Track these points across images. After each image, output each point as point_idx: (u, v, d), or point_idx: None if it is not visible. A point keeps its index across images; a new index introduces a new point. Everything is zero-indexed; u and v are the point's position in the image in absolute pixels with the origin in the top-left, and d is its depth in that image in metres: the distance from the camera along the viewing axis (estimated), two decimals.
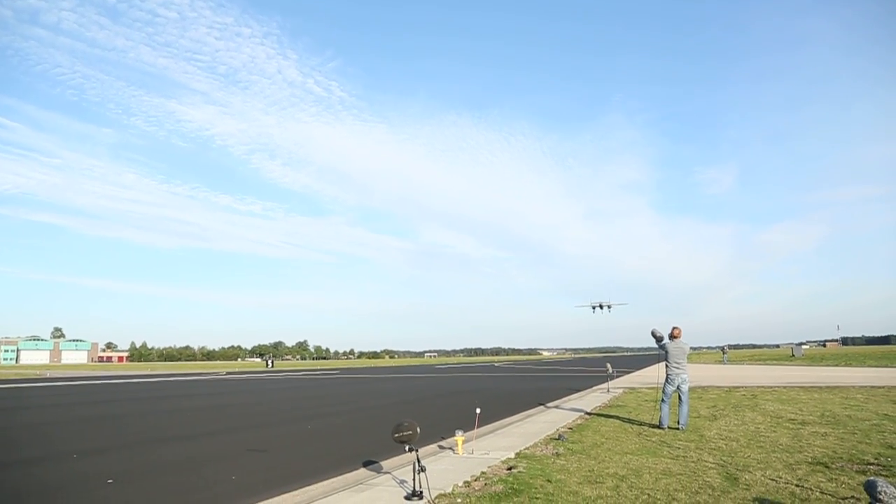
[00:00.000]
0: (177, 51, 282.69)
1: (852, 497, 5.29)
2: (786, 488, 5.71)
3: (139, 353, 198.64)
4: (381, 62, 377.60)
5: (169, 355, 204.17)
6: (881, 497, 4.21)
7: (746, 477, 6.24)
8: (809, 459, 7.14)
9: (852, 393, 15.99)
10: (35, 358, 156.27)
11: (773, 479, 6.09)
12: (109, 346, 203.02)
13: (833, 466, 6.71)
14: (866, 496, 4.45)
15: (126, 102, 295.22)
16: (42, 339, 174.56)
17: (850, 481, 5.93)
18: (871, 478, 4.46)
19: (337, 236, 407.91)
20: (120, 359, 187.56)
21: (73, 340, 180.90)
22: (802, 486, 5.75)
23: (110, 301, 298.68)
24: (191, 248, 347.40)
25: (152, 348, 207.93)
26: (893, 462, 6.87)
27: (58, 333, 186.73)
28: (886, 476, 6.09)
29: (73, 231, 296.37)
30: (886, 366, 33.71)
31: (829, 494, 5.43)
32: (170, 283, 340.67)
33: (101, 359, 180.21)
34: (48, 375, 51.43)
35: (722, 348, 66.90)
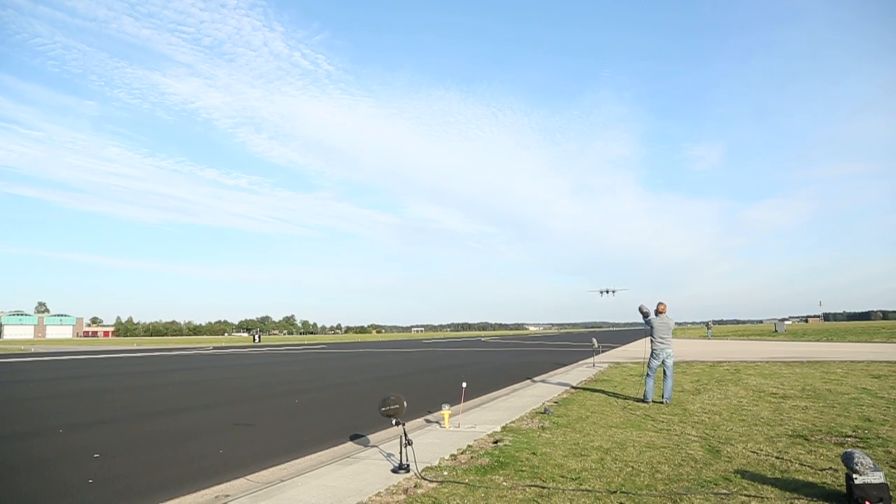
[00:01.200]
0: (160, 22, 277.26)
1: (830, 468, 5.40)
2: (766, 460, 5.82)
3: (125, 328, 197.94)
4: (369, 35, 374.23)
5: (155, 330, 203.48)
6: (858, 468, 4.29)
7: (728, 449, 6.35)
8: (790, 432, 7.28)
9: (833, 367, 16.29)
10: (19, 333, 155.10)
11: (754, 452, 6.20)
12: (95, 320, 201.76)
13: (812, 439, 6.84)
14: (844, 467, 4.54)
15: (109, 74, 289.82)
16: (26, 314, 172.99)
17: (828, 453, 6.06)
18: (849, 449, 4.54)
19: (324, 211, 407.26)
20: (105, 334, 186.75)
21: (58, 315, 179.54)
22: (782, 458, 5.86)
23: (95, 276, 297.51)
24: (176, 223, 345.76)
25: (138, 323, 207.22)
26: (870, 434, 7.02)
27: (42, 308, 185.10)
28: (863, 448, 6.22)
29: (56, 205, 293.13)
30: (866, 341, 34.39)
31: (808, 466, 5.54)
32: (155, 257, 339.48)
33: (86, 334, 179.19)
34: (32, 350, 51.09)
35: (706, 324, 67.97)
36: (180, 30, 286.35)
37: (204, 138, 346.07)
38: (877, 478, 4.26)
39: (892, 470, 5.34)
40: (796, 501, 4.48)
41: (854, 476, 4.30)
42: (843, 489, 4.52)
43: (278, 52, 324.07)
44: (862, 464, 4.30)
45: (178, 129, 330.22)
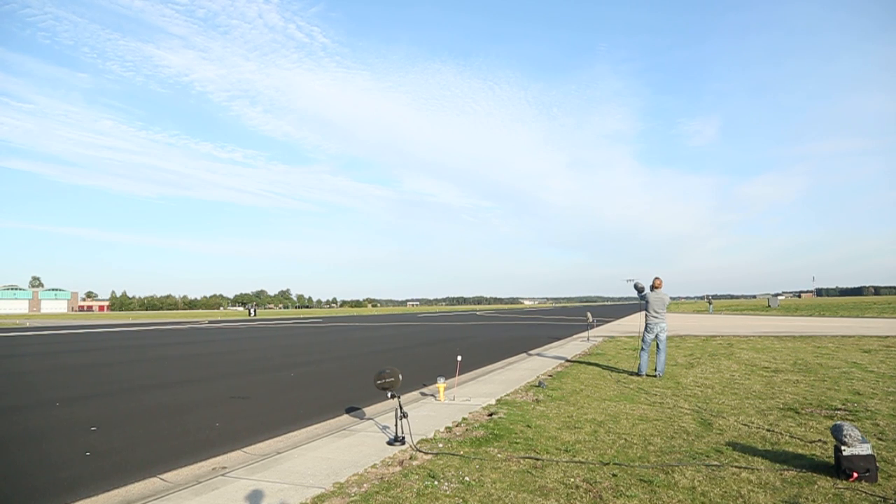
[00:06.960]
0: None
1: (820, 440, 5.48)
2: (757, 433, 5.90)
3: (120, 303, 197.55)
4: (364, 8, 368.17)
5: (150, 304, 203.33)
6: (846, 440, 4.35)
7: (720, 422, 6.43)
8: (781, 405, 7.37)
9: (824, 342, 16.46)
10: (13, 307, 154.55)
11: (745, 425, 6.29)
12: (89, 295, 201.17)
13: (803, 412, 6.93)
14: (833, 439, 4.60)
15: (101, 46, 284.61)
16: (20, 289, 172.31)
17: (818, 426, 6.14)
18: (838, 422, 4.60)
19: (319, 185, 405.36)
20: (100, 308, 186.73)
21: (53, 290, 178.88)
22: (773, 431, 5.94)
23: (89, 250, 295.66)
24: (171, 197, 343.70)
25: (133, 297, 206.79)
26: (859, 407, 7.11)
27: (36, 283, 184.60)
28: (852, 420, 6.31)
29: (50, 178, 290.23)
30: (857, 316, 34.73)
31: (798, 438, 5.62)
32: (150, 231, 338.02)
33: (81, 308, 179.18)
34: (28, 325, 51.07)
35: (707, 298, 68.53)
36: (174, 1, 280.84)
37: (198, 111, 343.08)
38: (864, 449, 4.33)
39: (880, 442, 5.42)
40: (786, 473, 4.55)
41: (842, 448, 4.36)
42: (832, 461, 4.59)
43: (273, 24, 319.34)
44: (850, 436, 4.36)
45: (173, 102, 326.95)
